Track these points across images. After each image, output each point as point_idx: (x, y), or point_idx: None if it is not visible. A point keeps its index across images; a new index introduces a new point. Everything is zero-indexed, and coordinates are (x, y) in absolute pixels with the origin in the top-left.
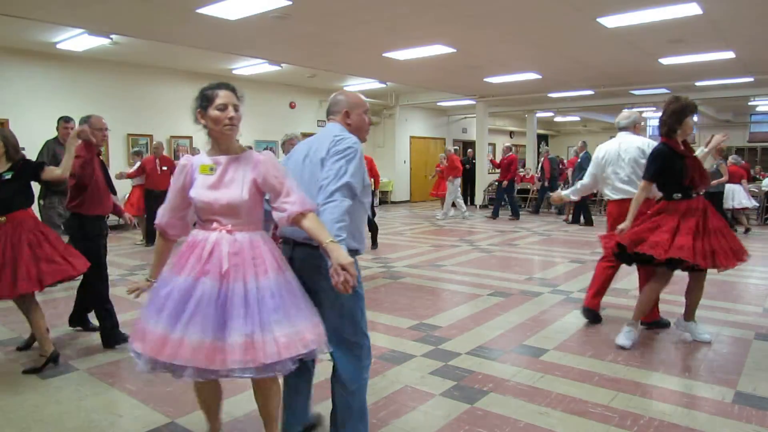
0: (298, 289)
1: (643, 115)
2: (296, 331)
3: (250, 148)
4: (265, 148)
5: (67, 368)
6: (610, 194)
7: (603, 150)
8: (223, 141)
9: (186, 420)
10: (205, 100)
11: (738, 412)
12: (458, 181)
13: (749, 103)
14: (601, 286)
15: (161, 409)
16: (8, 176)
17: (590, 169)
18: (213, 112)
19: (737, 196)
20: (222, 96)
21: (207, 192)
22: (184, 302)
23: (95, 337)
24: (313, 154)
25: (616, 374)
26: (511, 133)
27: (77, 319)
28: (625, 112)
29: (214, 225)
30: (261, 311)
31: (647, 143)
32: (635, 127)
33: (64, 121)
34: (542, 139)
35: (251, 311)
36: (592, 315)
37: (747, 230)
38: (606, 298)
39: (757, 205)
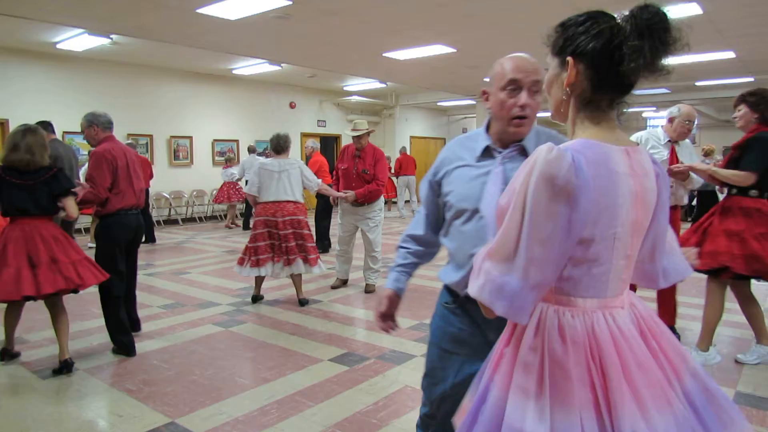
0: None
1: (643, 115)
2: None
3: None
4: (265, 149)
5: None
6: None
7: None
8: None
9: (186, 420)
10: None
11: None
12: None
13: None
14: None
15: (161, 409)
16: None
17: None
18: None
19: None
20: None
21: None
22: None
23: (95, 337)
24: None
25: None
26: None
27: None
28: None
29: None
30: None
31: (638, 135)
32: (669, 120)
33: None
34: None
35: None
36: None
37: None
38: None
39: None
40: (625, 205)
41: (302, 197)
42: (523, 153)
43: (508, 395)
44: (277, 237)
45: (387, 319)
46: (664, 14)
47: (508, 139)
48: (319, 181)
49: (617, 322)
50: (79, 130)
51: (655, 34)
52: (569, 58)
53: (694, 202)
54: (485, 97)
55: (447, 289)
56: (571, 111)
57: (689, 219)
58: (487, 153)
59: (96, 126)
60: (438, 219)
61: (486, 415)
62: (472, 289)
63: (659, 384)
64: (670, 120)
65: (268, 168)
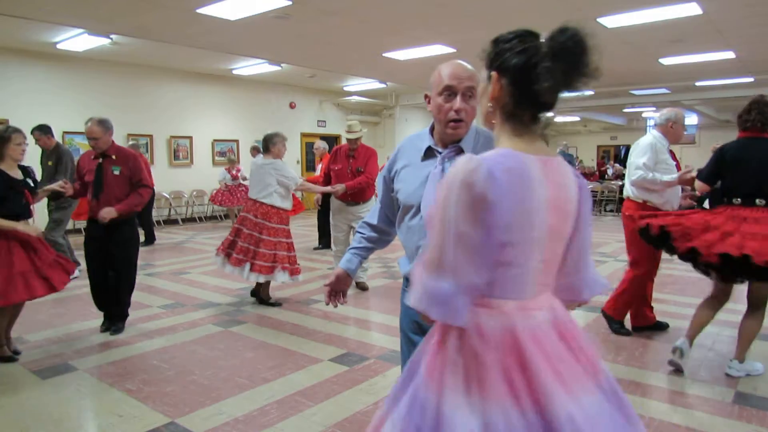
0: None
1: (643, 115)
2: None
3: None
4: None
5: (67, 368)
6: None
7: None
8: None
9: (186, 420)
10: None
11: (738, 412)
12: None
13: None
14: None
15: (161, 409)
16: (32, 184)
17: None
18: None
19: None
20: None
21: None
22: None
23: (95, 338)
24: None
25: (616, 374)
26: None
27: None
28: (665, 109)
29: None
30: None
31: (639, 141)
32: (670, 126)
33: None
34: None
35: None
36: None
37: None
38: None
39: None
40: (540, 211)
41: (269, 198)
42: (461, 153)
43: (443, 398)
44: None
45: (335, 294)
46: (581, 38)
47: (447, 140)
48: (299, 180)
49: (535, 322)
50: (78, 130)
51: (568, 57)
52: (493, 73)
53: (705, 204)
54: (427, 100)
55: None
56: (497, 122)
57: None
58: (429, 153)
59: (112, 131)
60: (392, 211)
61: (428, 423)
62: (411, 301)
63: (582, 375)
64: (671, 125)
65: (252, 166)
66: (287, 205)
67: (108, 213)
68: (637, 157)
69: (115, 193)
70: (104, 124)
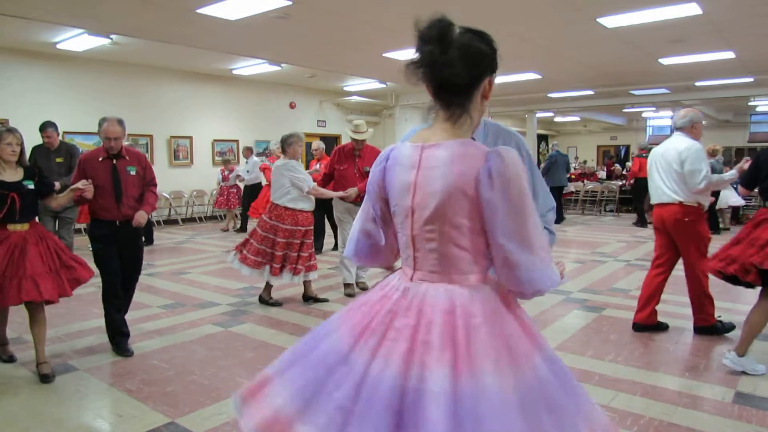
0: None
1: (643, 115)
2: None
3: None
4: (265, 149)
5: (67, 368)
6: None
7: (653, 153)
8: None
9: (186, 420)
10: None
11: (738, 412)
12: None
13: (749, 103)
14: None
15: (161, 409)
16: (31, 186)
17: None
18: None
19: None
20: None
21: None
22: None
23: (95, 338)
24: None
25: (616, 374)
26: None
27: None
28: (682, 111)
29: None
30: None
31: (687, 147)
32: (694, 127)
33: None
34: (542, 139)
35: None
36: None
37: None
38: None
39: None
40: (400, 191)
41: (282, 199)
42: None
43: None
44: None
45: None
46: (420, 30)
47: None
48: (312, 183)
49: (389, 281)
50: (78, 130)
51: (417, 48)
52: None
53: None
54: None
55: None
56: None
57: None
58: None
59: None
60: None
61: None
62: None
63: (371, 343)
64: (694, 126)
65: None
66: (302, 205)
67: (143, 216)
68: (697, 164)
69: (133, 193)
70: (123, 124)
